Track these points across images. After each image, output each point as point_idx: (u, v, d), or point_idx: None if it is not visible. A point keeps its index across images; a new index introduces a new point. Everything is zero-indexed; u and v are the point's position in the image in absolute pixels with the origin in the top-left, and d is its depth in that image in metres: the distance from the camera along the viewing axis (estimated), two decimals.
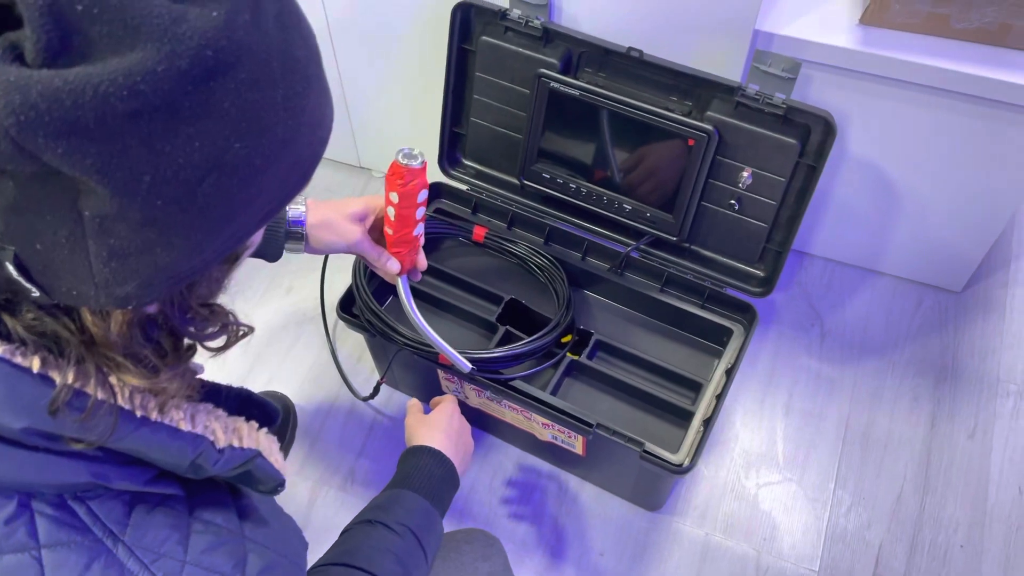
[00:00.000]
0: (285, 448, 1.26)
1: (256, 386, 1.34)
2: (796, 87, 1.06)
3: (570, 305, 1.19)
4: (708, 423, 1.07)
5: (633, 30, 1.14)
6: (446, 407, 1.02)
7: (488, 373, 1.10)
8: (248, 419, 0.60)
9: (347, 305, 1.19)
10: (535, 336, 1.14)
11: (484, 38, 1.20)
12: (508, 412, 1.17)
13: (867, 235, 1.41)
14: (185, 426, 0.54)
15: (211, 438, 0.55)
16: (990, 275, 1.46)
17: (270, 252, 0.94)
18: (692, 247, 1.23)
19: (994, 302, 1.44)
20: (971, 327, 1.41)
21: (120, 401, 0.50)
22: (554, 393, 1.16)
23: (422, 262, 1.00)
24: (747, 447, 1.29)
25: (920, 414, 1.32)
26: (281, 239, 0.94)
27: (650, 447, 1.05)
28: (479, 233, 1.28)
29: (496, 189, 1.32)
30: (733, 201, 1.16)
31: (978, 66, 1.11)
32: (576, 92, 1.15)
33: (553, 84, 1.16)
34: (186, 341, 0.54)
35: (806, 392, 1.34)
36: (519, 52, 1.19)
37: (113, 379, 0.49)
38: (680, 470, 1.04)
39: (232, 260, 0.51)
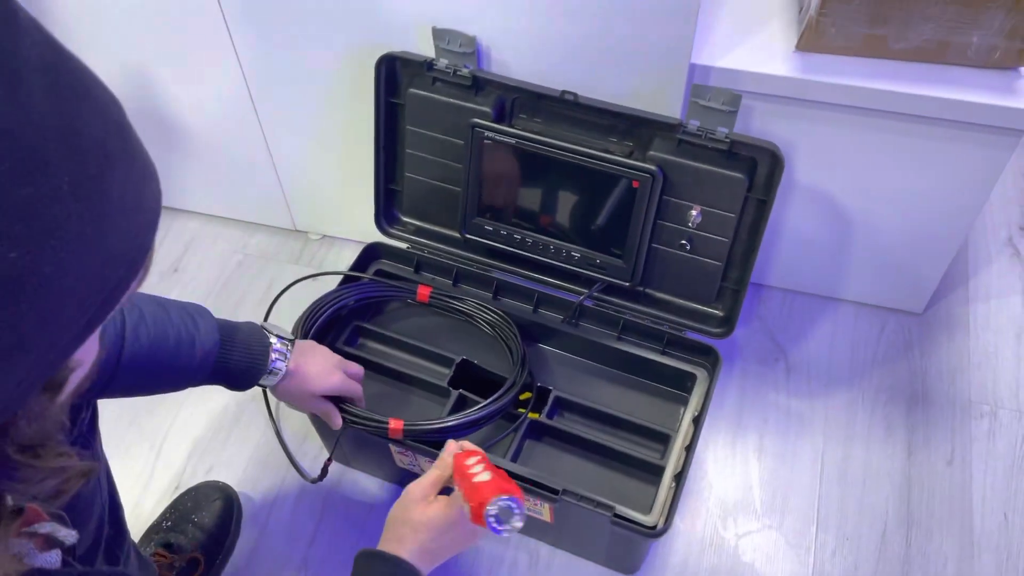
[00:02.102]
0: (230, 542, 1.16)
1: (196, 477, 1.24)
2: (738, 119, 1.02)
3: (525, 361, 1.13)
4: (679, 478, 1.01)
5: (566, 73, 1.09)
6: (448, 509, 0.85)
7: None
8: None
9: None
10: (491, 399, 1.07)
11: (412, 90, 1.15)
12: None
13: (824, 263, 1.37)
14: None
15: None
16: (950, 293, 1.44)
17: (241, 387, 0.94)
18: (647, 291, 1.18)
19: (957, 321, 1.41)
20: (937, 349, 1.37)
21: None
22: (515, 459, 1.08)
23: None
24: (722, 496, 1.23)
25: (895, 444, 1.27)
26: (255, 381, 0.94)
27: (621, 510, 0.98)
28: (423, 293, 1.21)
29: (438, 245, 1.26)
30: (684, 241, 1.11)
31: (919, 85, 1.08)
32: (512, 140, 1.10)
33: (488, 133, 1.11)
34: (10, 500, 0.43)
35: (777, 431, 1.29)
36: (450, 103, 1.13)
37: None
38: (654, 533, 0.97)
39: (55, 388, 0.41)
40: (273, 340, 0.95)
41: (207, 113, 1.38)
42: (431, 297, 1.21)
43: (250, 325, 0.95)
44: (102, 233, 0.37)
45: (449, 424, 1.04)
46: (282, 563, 1.17)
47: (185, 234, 1.57)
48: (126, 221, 0.39)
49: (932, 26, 1.05)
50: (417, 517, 0.84)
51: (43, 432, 0.41)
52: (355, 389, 1.04)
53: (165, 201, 1.63)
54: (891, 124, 1.13)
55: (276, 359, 0.94)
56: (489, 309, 1.19)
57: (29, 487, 0.41)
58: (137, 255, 0.41)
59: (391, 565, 0.81)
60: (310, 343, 1.03)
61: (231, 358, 0.90)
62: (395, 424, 1.02)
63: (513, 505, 0.80)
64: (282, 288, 1.20)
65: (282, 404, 1.29)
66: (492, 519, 0.79)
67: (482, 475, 0.84)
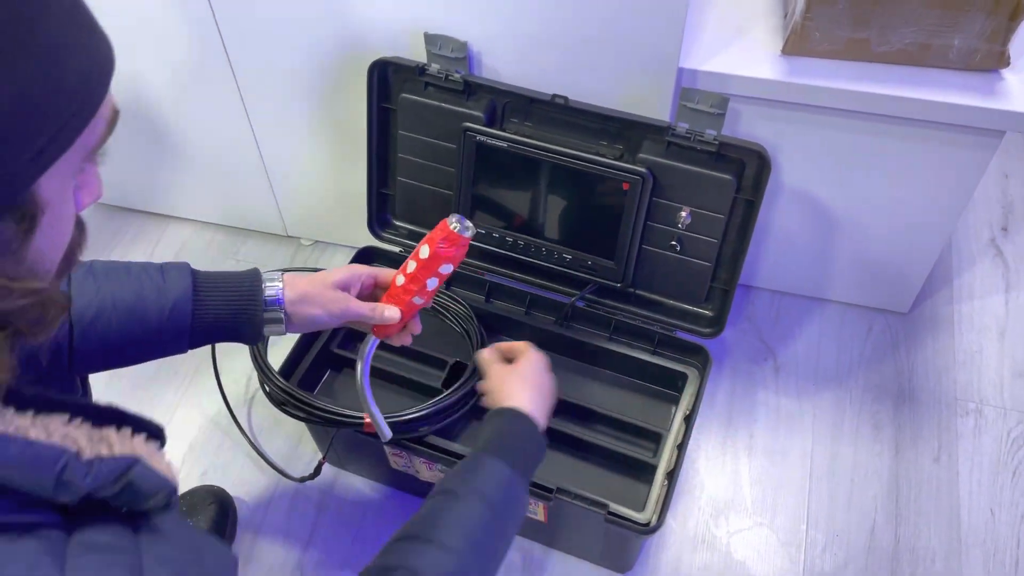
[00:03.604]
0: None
1: (190, 481, 1.25)
2: (726, 122, 1.04)
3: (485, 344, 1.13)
4: (672, 476, 1.02)
5: (556, 76, 1.11)
6: (530, 357, 1.00)
7: (410, 434, 1.04)
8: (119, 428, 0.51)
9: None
10: (454, 387, 1.08)
11: (404, 95, 1.16)
12: None
13: (811, 264, 1.39)
14: (36, 434, 0.45)
15: (74, 448, 0.46)
16: (935, 293, 1.46)
17: (247, 333, 0.85)
18: (637, 292, 1.19)
19: (942, 320, 1.43)
20: (923, 348, 1.39)
21: None
22: None
23: (417, 326, 0.96)
24: (713, 494, 1.24)
25: (883, 442, 1.29)
26: (259, 322, 0.85)
27: (615, 508, 0.99)
28: None
29: None
30: (674, 242, 1.13)
31: (902, 87, 1.10)
32: (504, 144, 1.12)
33: (479, 137, 1.12)
34: None
35: (767, 429, 1.31)
36: (442, 107, 1.15)
37: None
38: (648, 530, 0.98)
39: (22, 220, 0.44)
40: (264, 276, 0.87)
41: (199, 119, 1.38)
42: None
43: (246, 270, 0.88)
44: (38, 73, 0.42)
45: (421, 414, 1.04)
46: (278, 567, 1.17)
47: (176, 241, 1.58)
48: (69, 56, 0.44)
49: (914, 29, 1.07)
50: (516, 369, 0.99)
51: (13, 264, 0.44)
52: (375, 270, 0.94)
53: (156, 208, 1.61)
54: (875, 126, 1.15)
55: (269, 283, 0.86)
56: (446, 296, 1.19)
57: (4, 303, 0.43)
58: (86, 96, 0.46)
59: (510, 416, 0.90)
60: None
61: (209, 302, 0.82)
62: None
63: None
64: None
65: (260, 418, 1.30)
66: (453, 220, 0.90)
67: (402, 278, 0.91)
